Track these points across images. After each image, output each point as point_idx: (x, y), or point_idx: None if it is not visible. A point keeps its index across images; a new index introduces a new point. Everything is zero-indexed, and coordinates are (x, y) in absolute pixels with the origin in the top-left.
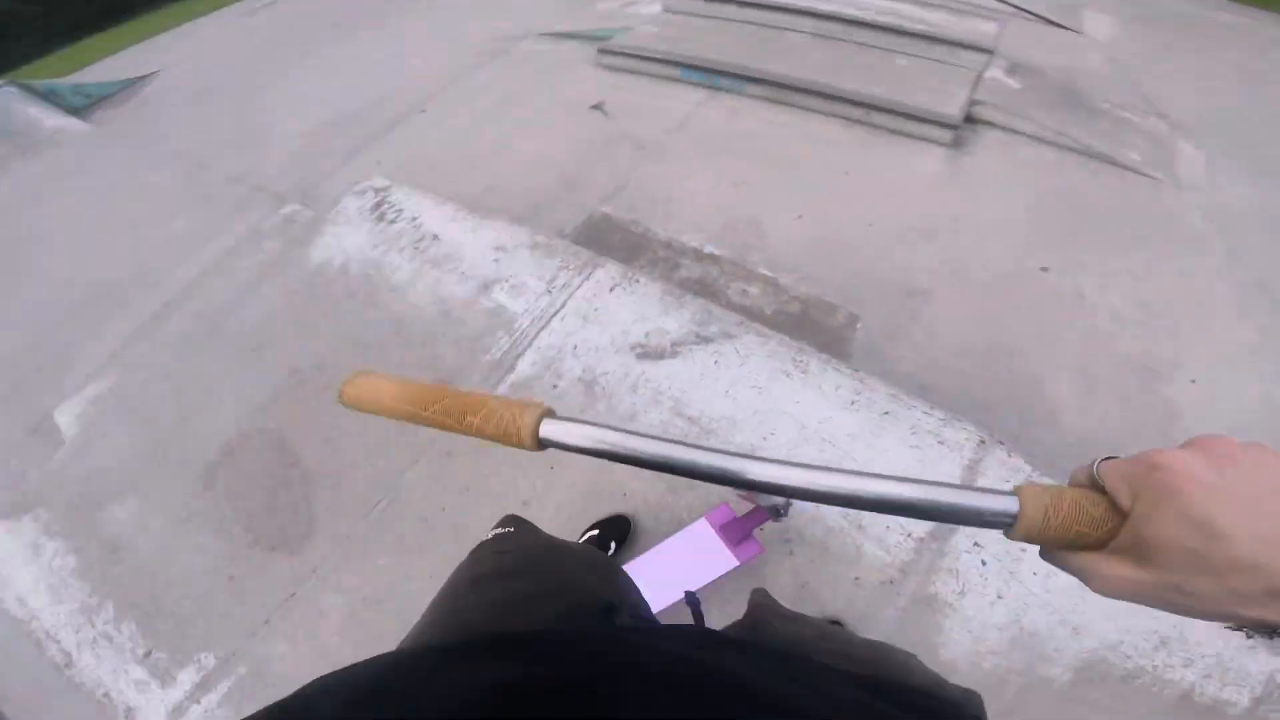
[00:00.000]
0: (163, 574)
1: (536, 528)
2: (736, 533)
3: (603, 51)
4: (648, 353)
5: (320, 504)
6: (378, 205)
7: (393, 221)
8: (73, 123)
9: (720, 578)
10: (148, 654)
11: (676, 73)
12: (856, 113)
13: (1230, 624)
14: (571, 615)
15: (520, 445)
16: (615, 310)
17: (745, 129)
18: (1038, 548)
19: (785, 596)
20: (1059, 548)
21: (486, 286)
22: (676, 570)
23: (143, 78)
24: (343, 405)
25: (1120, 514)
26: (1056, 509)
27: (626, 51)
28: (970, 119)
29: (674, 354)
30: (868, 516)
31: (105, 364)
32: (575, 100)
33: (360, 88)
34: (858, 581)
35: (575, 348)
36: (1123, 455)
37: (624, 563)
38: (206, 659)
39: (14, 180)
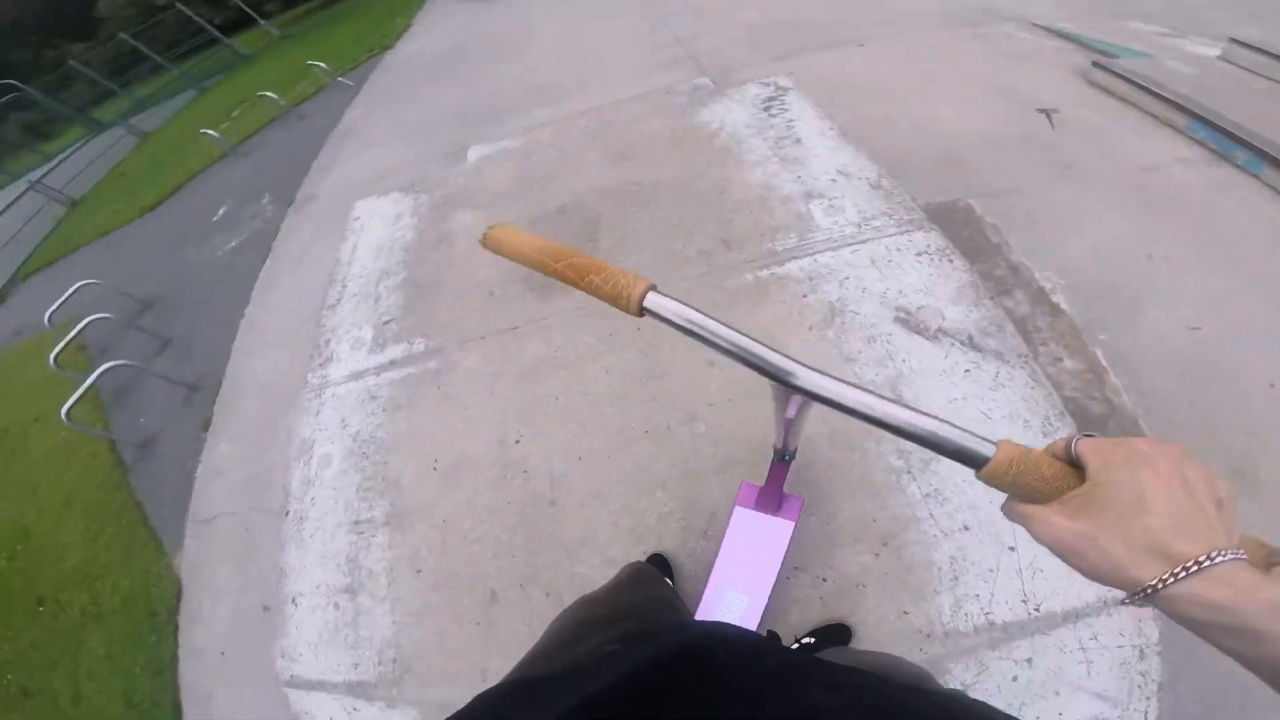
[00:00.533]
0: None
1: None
2: (771, 498)
3: (1097, 65)
4: (909, 322)
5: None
6: (772, 99)
7: (774, 115)
8: None
9: (788, 547)
10: (387, 321)
11: (1182, 123)
12: None
13: (1112, 581)
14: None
15: (625, 309)
16: (907, 271)
17: (1218, 205)
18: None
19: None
20: (1014, 496)
21: (810, 195)
22: (748, 566)
23: None
24: (484, 247)
25: (1076, 481)
26: (1020, 463)
27: (1130, 77)
28: None
29: (933, 338)
30: None
31: (520, 133)
32: (1026, 95)
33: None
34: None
35: (846, 279)
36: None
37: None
38: (418, 344)
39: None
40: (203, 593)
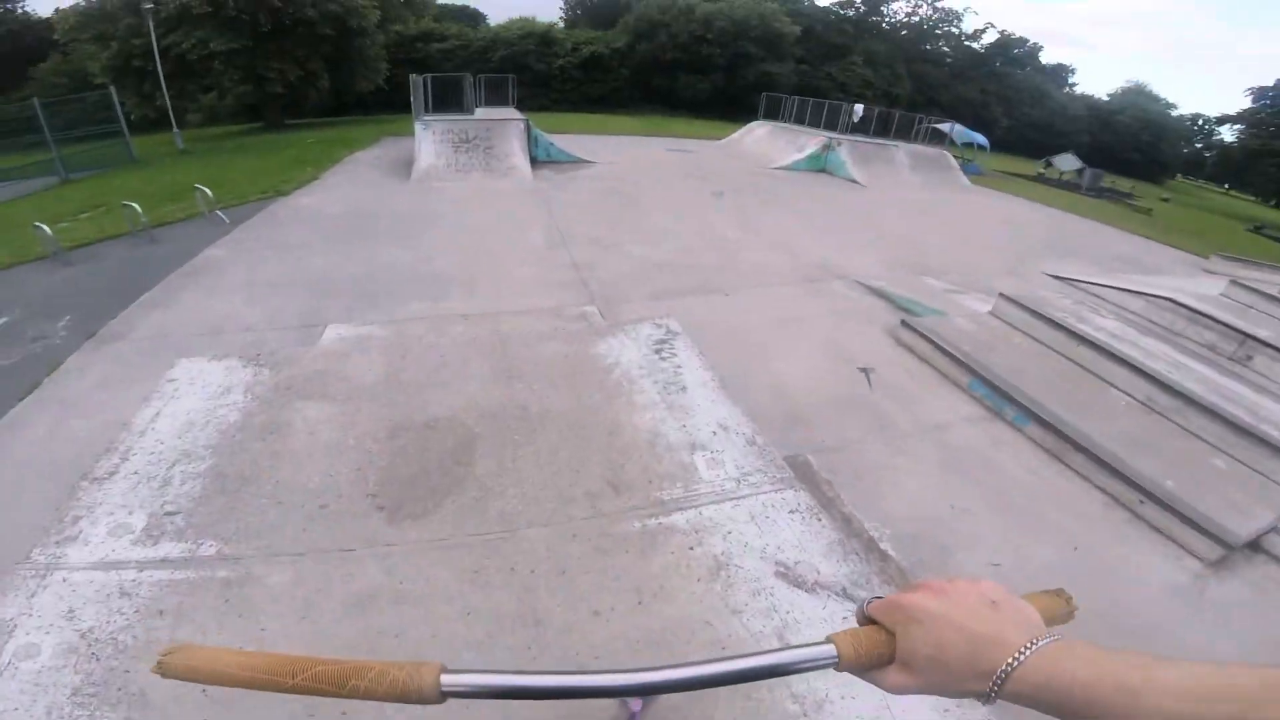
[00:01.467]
0: (279, 465)
1: None
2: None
3: (904, 325)
4: (788, 576)
5: (450, 507)
6: (663, 341)
7: (664, 359)
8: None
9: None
10: (171, 513)
11: (965, 380)
12: (1129, 496)
13: (965, 697)
14: None
15: (419, 701)
16: (782, 528)
17: (997, 461)
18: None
19: None
20: (864, 670)
21: (694, 447)
22: None
23: (582, 161)
24: (164, 675)
25: (890, 636)
26: (859, 644)
27: (928, 335)
28: (1256, 546)
29: (811, 590)
30: None
31: (391, 322)
32: (852, 352)
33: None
34: None
35: (729, 533)
36: (884, 595)
37: None
38: (207, 547)
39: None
40: None
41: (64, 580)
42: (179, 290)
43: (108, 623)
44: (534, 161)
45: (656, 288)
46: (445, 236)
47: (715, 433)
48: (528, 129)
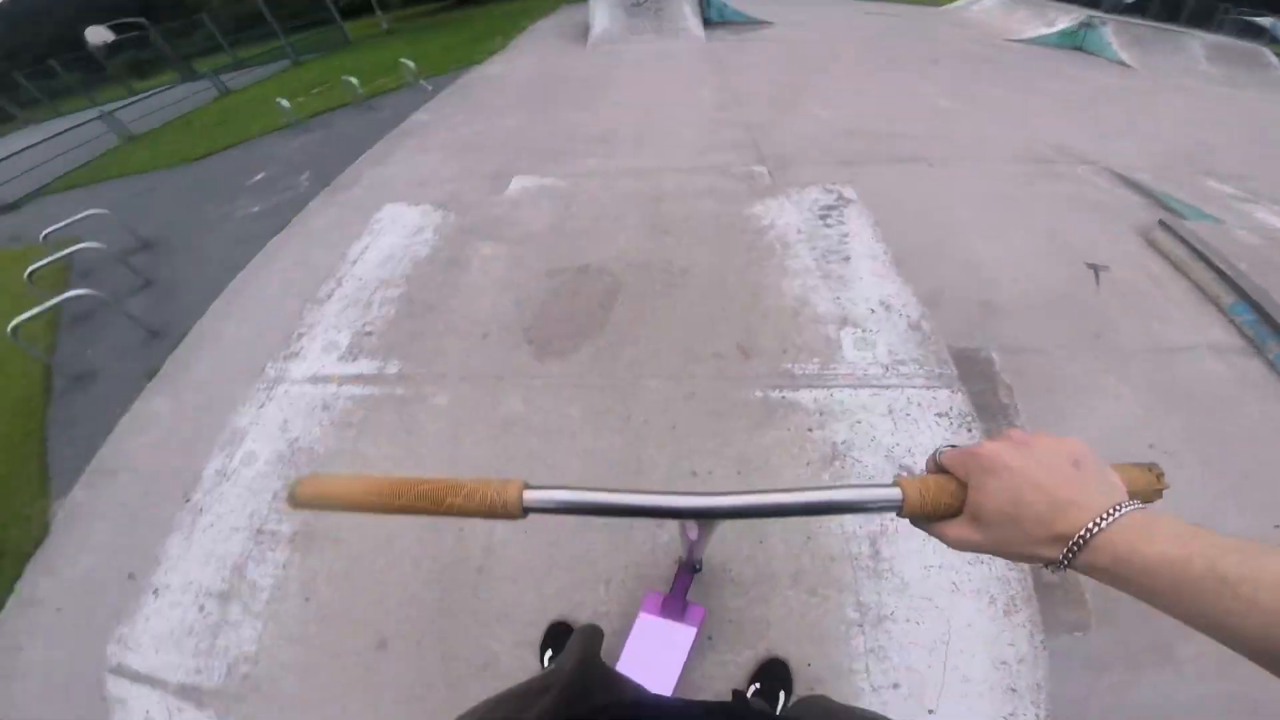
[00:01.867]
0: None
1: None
2: (675, 606)
3: (1163, 225)
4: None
5: (588, 349)
6: (831, 208)
7: (829, 226)
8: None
9: (690, 654)
10: (369, 333)
11: (1227, 300)
12: None
13: (1034, 563)
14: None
15: (505, 516)
16: (922, 430)
17: (1238, 404)
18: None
19: None
20: (929, 520)
21: (844, 322)
22: (647, 669)
23: (761, 22)
24: (295, 506)
25: (960, 488)
26: (926, 491)
27: (1190, 240)
28: None
29: None
30: None
31: (567, 176)
32: (1081, 246)
33: (901, 121)
34: None
35: (858, 423)
36: (959, 445)
37: None
38: (393, 365)
39: (641, 48)
40: (69, 545)
41: (285, 393)
42: (393, 149)
43: (309, 433)
44: (707, 23)
45: (843, 153)
46: (618, 98)
47: (874, 310)
48: None
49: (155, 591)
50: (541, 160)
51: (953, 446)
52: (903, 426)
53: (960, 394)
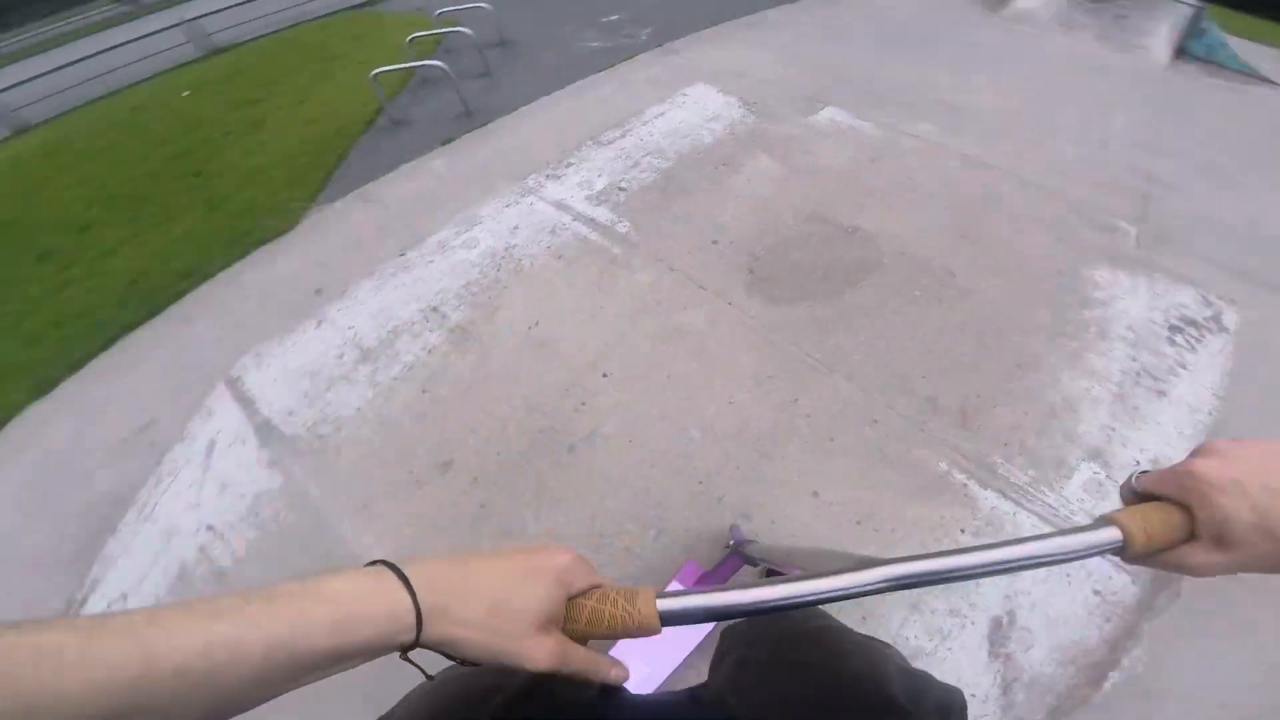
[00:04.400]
0: (708, 193)
1: None
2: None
3: None
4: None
5: (802, 310)
6: (1191, 322)
7: (1172, 343)
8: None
9: (706, 635)
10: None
11: None
12: None
13: None
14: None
15: (644, 634)
16: (1073, 627)
17: None
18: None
19: None
20: (1155, 552)
21: (1096, 456)
22: (662, 641)
23: (1263, 79)
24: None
25: (1179, 514)
26: (1149, 525)
27: None
28: None
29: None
30: None
31: (888, 127)
32: None
33: None
34: None
35: (1023, 598)
36: (1153, 469)
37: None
38: (622, 225)
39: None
40: (293, 246)
41: (530, 205)
42: (730, 35)
43: (528, 246)
44: (1180, 53)
45: (1256, 261)
46: (1001, 80)
47: (1139, 464)
48: (1196, 19)
49: (319, 322)
50: (869, 103)
51: (1145, 471)
52: (1064, 608)
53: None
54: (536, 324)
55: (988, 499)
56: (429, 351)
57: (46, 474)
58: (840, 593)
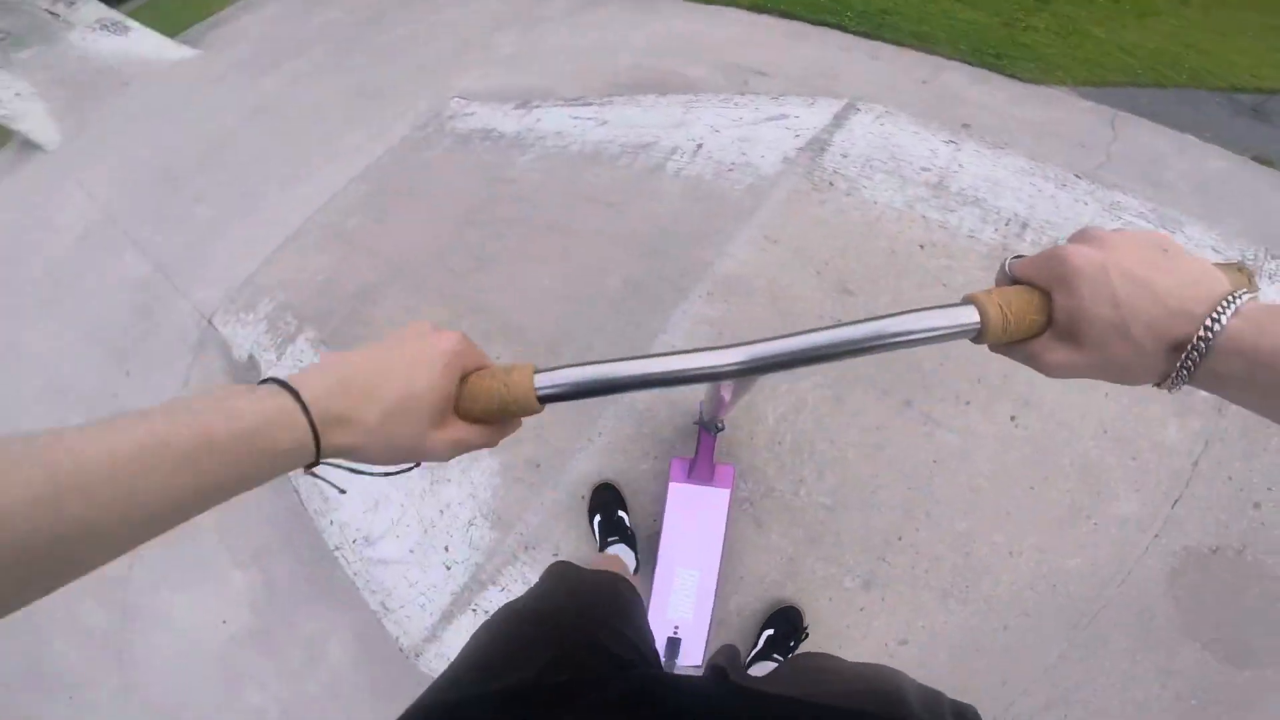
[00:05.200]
0: None
1: (566, 572)
2: (703, 469)
3: None
4: None
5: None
6: None
7: None
8: None
9: (728, 516)
10: None
11: None
12: None
13: (1151, 382)
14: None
15: (523, 411)
16: None
17: None
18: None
19: None
20: (1014, 342)
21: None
22: (693, 539)
23: None
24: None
25: (1041, 299)
26: (1008, 306)
27: None
28: None
29: None
30: None
31: None
32: None
33: None
34: None
35: None
36: (1027, 253)
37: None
38: None
39: None
40: None
41: None
42: None
43: None
44: None
45: None
46: None
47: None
48: None
49: None
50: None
51: (1019, 256)
52: None
53: None
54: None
55: None
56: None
57: None
58: (709, 370)
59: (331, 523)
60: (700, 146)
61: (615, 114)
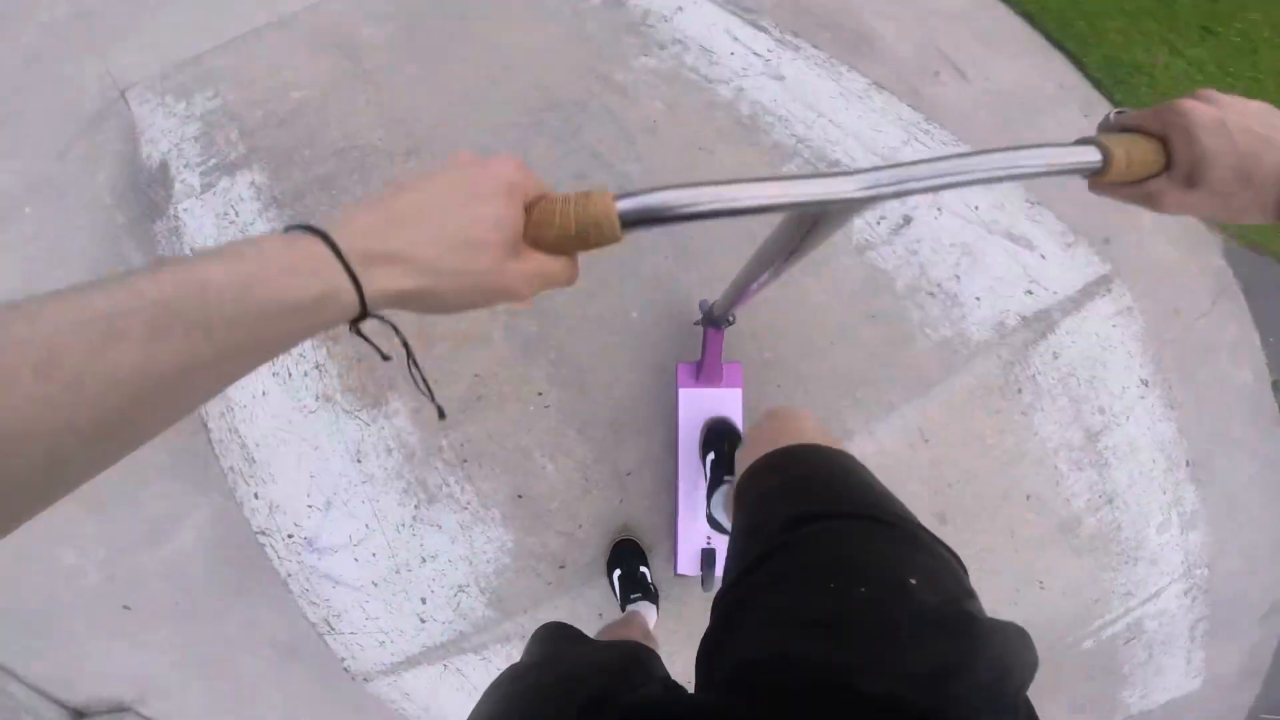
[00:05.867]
0: None
1: (564, 636)
2: (712, 370)
3: None
4: None
5: None
6: None
7: None
8: None
9: (740, 411)
10: None
11: None
12: None
13: (1268, 220)
14: None
15: (603, 238)
16: None
17: None
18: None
19: None
20: (1130, 182)
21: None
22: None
23: None
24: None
25: (1158, 147)
26: (1132, 151)
27: None
28: None
29: None
30: None
31: None
32: None
33: None
34: None
35: None
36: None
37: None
38: None
39: None
40: None
41: None
42: None
43: None
44: None
45: None
46: None
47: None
48: None
49: None
50: None
51: (1122, 111)
52: None
53: None
54: None
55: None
56: None
57: None
58: (824, 199)
59: (257, 496)
60: (909, 223)
61: (797, 73)
